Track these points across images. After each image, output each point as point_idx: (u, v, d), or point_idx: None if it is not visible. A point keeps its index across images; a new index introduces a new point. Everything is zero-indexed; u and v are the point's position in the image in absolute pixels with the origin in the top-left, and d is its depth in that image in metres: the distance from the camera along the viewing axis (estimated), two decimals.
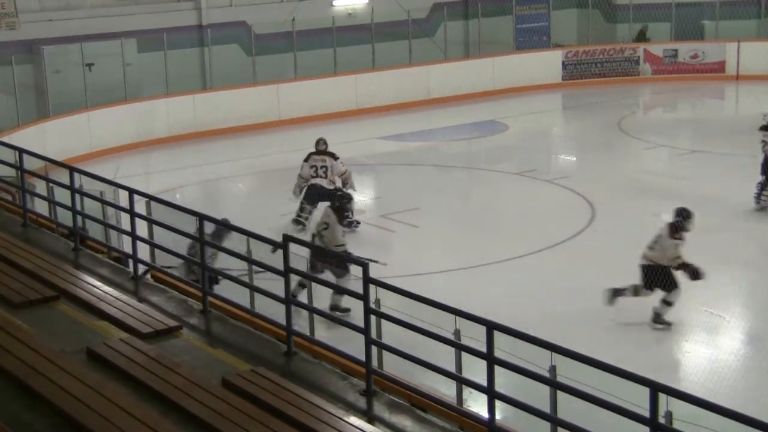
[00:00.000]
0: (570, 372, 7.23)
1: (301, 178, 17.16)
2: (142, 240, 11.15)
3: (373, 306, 8.25)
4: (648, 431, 6.21)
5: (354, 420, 7.34)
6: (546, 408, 7.47)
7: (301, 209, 17.04)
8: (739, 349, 12.40)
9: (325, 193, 16.50)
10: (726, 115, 28.92)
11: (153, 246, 11.72)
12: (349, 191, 16.93)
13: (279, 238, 8.66)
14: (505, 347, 7.34)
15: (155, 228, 12.07)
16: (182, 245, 11.63)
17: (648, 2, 30.51)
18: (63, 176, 12.15)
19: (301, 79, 26.75)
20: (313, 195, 16.86)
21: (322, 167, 16.93)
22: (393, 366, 8.63)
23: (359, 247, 15.39)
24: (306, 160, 17.19)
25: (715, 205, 17.80)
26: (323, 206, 14.96)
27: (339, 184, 16.96)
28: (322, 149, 17.22)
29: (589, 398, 6.62)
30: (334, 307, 12.45)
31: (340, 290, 11.83)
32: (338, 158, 17.11)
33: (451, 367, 8.42)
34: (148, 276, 11.23)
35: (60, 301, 9.85)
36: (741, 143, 23.01)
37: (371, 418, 7.66)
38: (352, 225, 16.62)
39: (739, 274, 14.39)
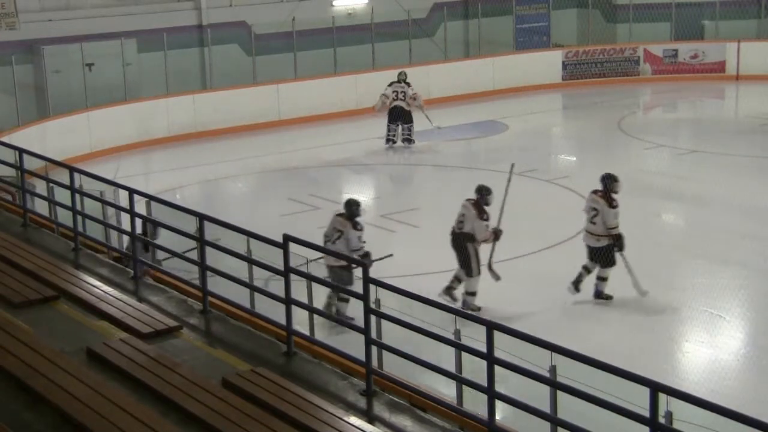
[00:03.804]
0: (570, 372, 7.23)
1: (384, 96, 22.86)
2: (142, 240, 11.14)
3: (373, 306, 8.25)
4: (648, 431, 6.21)
5: (354, 420, 7.33)
6: (546, 408, 7.47)
7: (388, 129, 22.97)
8: (739, 349, 12.40)
9: (402, 113, 22.72)
10: (726, 115, 28.93)
11: (153, 246, 11.73)
12: (417, 109, 22.81)
13: (279, 238, 8.66)
14: (505, 347, 7.34)
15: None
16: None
17: (648, 2, 30.52)
18: (63, 176, 12.14)
19: (301, 79, 26.75)
20: (394, 115, 22.82)
21: (401, 92, 22.67)
22: (393, 366, 8.63)
23: None
24: (390, 85, 22.90)
25: (715, 205, 17.81)
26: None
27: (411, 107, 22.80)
28: (402, 79, 22.93)
29: (589, 398, 6.62)
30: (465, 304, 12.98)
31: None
32: (411, 87, 22.82)
33: (451, 367, 8.42)
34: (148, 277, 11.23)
35: (60, 301, 9.85)
36: (741, 143, 23.04)
37: (371, 418, 7.66)
38: (411, 143, 22.93)
39: (739, 274, 14.39)
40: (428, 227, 17.16)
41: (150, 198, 11.54)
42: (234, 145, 24.22)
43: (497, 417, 7.35)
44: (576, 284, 13.50)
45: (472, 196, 13.45)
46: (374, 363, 8.25)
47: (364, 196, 20.24)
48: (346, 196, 13.15)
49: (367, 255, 12.54)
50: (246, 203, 20.27)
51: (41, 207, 13.79)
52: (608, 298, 13.45)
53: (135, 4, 25.90)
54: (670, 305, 13.54)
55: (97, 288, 10.11)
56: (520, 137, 25.10)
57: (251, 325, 9.58)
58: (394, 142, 22.99)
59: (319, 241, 12.73)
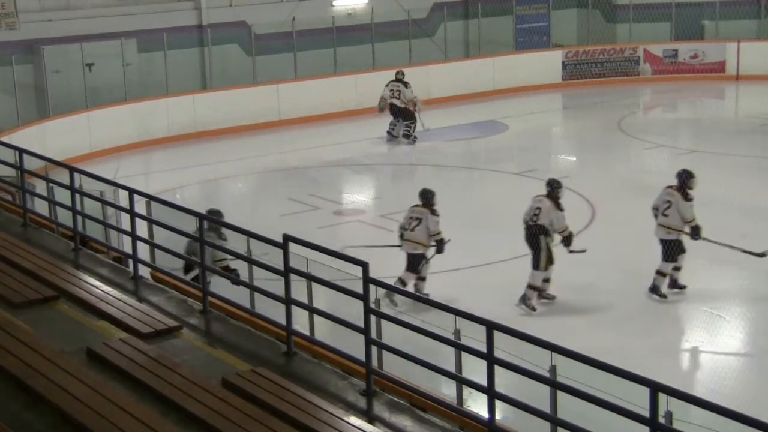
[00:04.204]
0: (570, 372, 7.23)
1: (382, 98, 23.57)
2: (142, 240, 11.14)
3: (373, 306, 8.25)
4: (648, 431, 6.21)
5: (354, 420, 7.33)
6: (546, 408, 7.47)
7: (390, 123, 23.73)
8: (739, 349, 12.41)
9: (399, 110, 23.46)
10: (726, 115, 28.92)
11: (153, 246, 11.73)
12: (417, 113, 23.53)
13: (279, 238, 8.66)
14: (505, 347, 7.33)
15: (155, 228, 12.09)
16: (181, 246, 11.62)
17: (648, 2, 30.51)
18: (63, 176, 12.14)
19: (301, 79, 26.74)
20: (393, 113, 23.60)
21: (396, 90, 23.34)
22: (393, 366, 8.63)
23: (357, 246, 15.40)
24: (387, 85, 23.53)
25: (715, 205, 17.79)
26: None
27: (411, 107, 23.53)
28: (399, 78, 23.52)
29: (589, 398, 6.62)
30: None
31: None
32: (409, 87, 23.37)
33: (451, 367, 8.42)
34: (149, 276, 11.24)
35: (60, 301, 9.85)
36: (741, 143, 23.04)
37: (371, 418, 7.66)
38: (409, 138, 23.45)
39: (739, 274, 14.38)
40: None
41: (150, 198, 11.54)
42: (234, 145, 24.22)
43: (497, 417, 7.35)
44: (674, 286, 13.65)
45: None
46: (374, 363, 8.25)
47: (364, 196, 20.27)
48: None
49: (442, 240, 13.71)
50: (246, 203, 20.26)
51: (41, 207, 13.79)
52: (663, 296, 13.51)
53: (135, 4, 25.89)
54: (670, 305, 13.54)
55: (97, 288, 10.10)
56: (520, 137, 25.10)
57: (251, 325, 9.58)
58: (394, 137, 23.68)
59: (319, 241, 12.73)
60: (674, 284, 13.65)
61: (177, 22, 26.09)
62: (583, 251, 13.71)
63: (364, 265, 7.96)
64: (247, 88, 26.08)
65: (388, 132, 23.81)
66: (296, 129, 25.62)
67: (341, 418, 7.31)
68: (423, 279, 13.86)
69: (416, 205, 13.96)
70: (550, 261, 13.39)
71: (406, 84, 23.49)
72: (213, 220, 10.77)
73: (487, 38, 30.01)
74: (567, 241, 13.50)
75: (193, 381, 7.82)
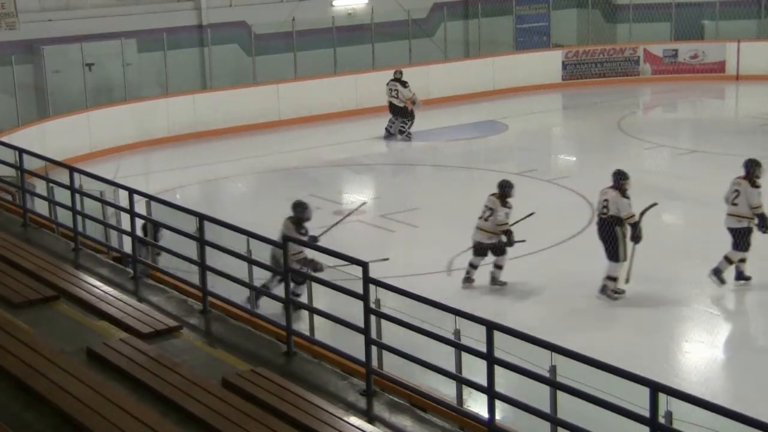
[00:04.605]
0: (570, 372, 7.23)
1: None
2: (142, 240, 11.14)
3: (373, 306, 8.25)
4: (648, 431, 6.21)
5: (354, 420, 7.34)
6: (546, 408, 7.47)
7: (388, 121, 24.19)
8: (739, 349, 12.40)
9: (398, 108, 23.96)
10: (726, 115, 28.91)
11: (153, 246, 11.73)
12: (416, 109, 23.96)
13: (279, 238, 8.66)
14: (505, 347, 7.33)
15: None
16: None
17: (648, 2, 30.51)
18: (63, 176, 12.15)
19: (301, 79, 26.74)
20: (393, 110, 24.07)
21: (394, 90, 23.86)
22: (393, 366, 8.63)
23: (357, 247, 15.40)
24: (387, 84, 24.03)
25: (715, 205, 17.77)
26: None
27: (409, 105, 23.94)
28: (397, 78, 23.93)
29: (589, 398, 6.62)
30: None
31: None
32: (407, 86, 23.79)
33: (451, 367, 8.42)
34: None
35: (60, 301, 9.85)
36: (741, 143, 23.02)
37: (371, 418, 7.66)
38: (402, 134, 23.97)
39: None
40: (428, 227, 17.17)
41: (150, 198, 11.54)
42: (234, 145, 24.23)
43: (497, 417, 7.35)
44: (740, 278, 13.88)
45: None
46: (374, 363, 8.25)
47: (364, 196, 20.26)
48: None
49: (510, 232, 13.91)
50: (246, 203, 20.26)
51: (41, 207, 13.78)
52: (722, 281, 13.74)
53: (135, 4, 25.89)
54: (670, 305, 13.54)
55: (97, 288, 10.11)
56: (520, 137, 25.10)
57: (251, 325, 9.58)
58: (391, 134, 24.15)
59: (319, 240, 12.76)
60: (740, 276, 13.87)
61: (177, 22, 26.09)
62: (654, 205, 14.06)
63: (364, 265, 7.96)
64: (247, 88, 26.09)
65: (386, 128, 24.11)
66: (296, 129, 25.62)
67: (341, 418, 7.31)
68: (500, 267, 14.07)
69: (492, 194, 14.16)
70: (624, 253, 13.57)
71: (404, 83, 23.77)
72: (213, 220, 10.73)
73: (487, 38, 30.00)
74: (635, 231, 13.49)
75: (193, 381, 7.82)
